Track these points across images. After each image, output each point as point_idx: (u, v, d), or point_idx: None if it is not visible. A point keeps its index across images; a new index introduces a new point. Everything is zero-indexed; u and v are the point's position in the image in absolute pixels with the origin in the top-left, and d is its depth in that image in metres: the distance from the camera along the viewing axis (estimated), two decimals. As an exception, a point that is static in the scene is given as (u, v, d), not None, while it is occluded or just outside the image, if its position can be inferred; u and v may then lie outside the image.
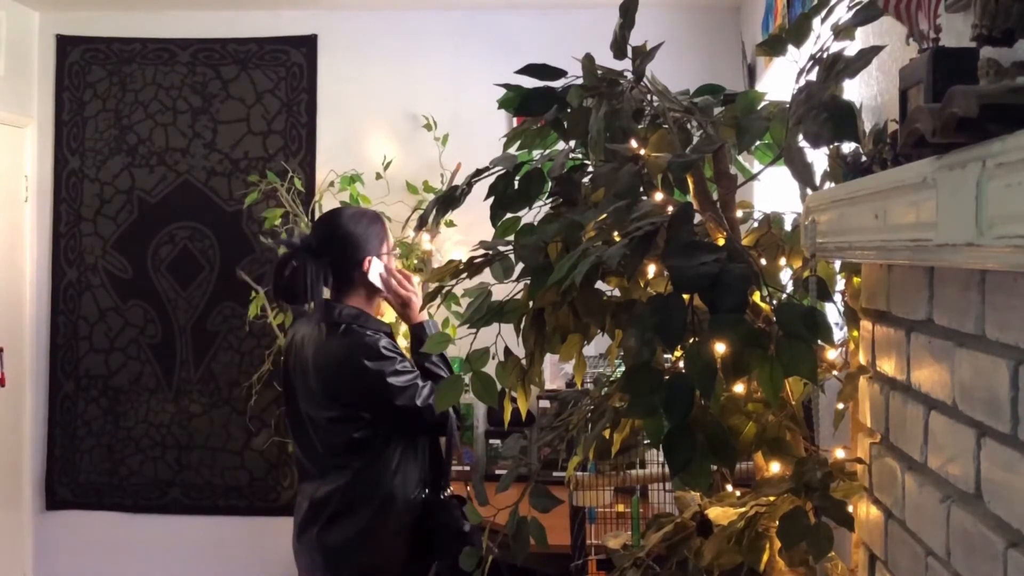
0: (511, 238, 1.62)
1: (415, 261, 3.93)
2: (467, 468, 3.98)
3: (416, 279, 2.58)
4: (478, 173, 1.68)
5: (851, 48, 1.31)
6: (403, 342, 3.93)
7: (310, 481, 2.49)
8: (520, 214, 1.67)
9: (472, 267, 1.64)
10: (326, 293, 2.51)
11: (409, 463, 2.41)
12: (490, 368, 1.62)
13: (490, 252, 1.64)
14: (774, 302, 1.32)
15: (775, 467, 1.47)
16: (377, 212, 2.64)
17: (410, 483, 2.41)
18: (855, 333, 1.53)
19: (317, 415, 2.44)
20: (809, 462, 1.36)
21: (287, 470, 4.13)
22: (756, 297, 1.41)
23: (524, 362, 1.62)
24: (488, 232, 1.72)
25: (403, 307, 2.51)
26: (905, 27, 1.22)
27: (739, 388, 1.44)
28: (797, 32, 1.40)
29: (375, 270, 2.45)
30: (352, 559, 2.41)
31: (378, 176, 4.02)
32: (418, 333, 2.50)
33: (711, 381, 1.20)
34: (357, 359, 2.34)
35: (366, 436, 2.39)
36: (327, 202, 4.00)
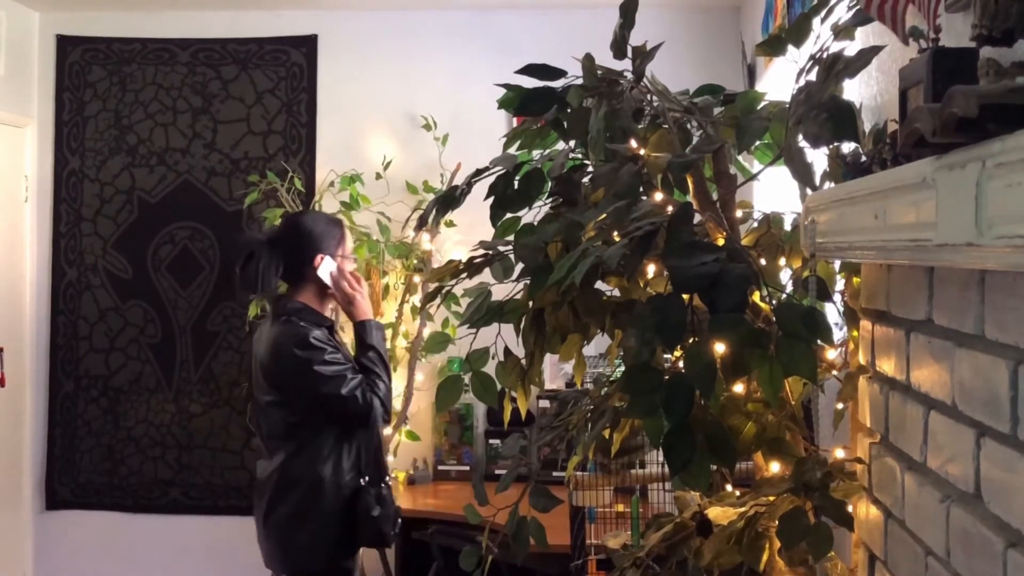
0: (511, 238, 1.62)
1: (415, 261, 3.93)
2: (467, 468, 3.98)
3: (365, 285, 2.72)
4: (478, 173, 1.68)
5: (851, 48, 1.31)
6: (403, 342, 3.97)
7: (260, 464, 2.72)
8: (520, 214, 1.67)
9: (472, 267, 1.64)
10: (284, 287, 2.71)
11: (341, 450, 2.55)
12: (490, 368, 1.62)
13: (490, 252, 1.64)
14: (774, 302, 1.32)
15: (775, 467, 1.47)
16: (340, 219, 2.80)
17: (340, 470, 2.54)
18: (855, 333, 1.53)
19: (260, 399, 2.66)
20: (809, 462, 1.36)
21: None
22: (756, 297, 1.41)
23: (524, 362, 1.63)
24: (488, 232, 1.72)
25: (348, 304, 2.65)
26: (889, 28, 1.22)
27: (739, 388, 1.44)
28: (797, 32, 1.40)
29: (325, 268, 2.60)
30: (285, 540, 2.57)
31: (378, 176, 4.02)
32: (359, 330, 2.65)
33: (711, 381, 1.20)
34: (288, 348, 2.52)
35: (299, 421, 2.56)
36: (327, 202, 4.00)
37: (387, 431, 3.92)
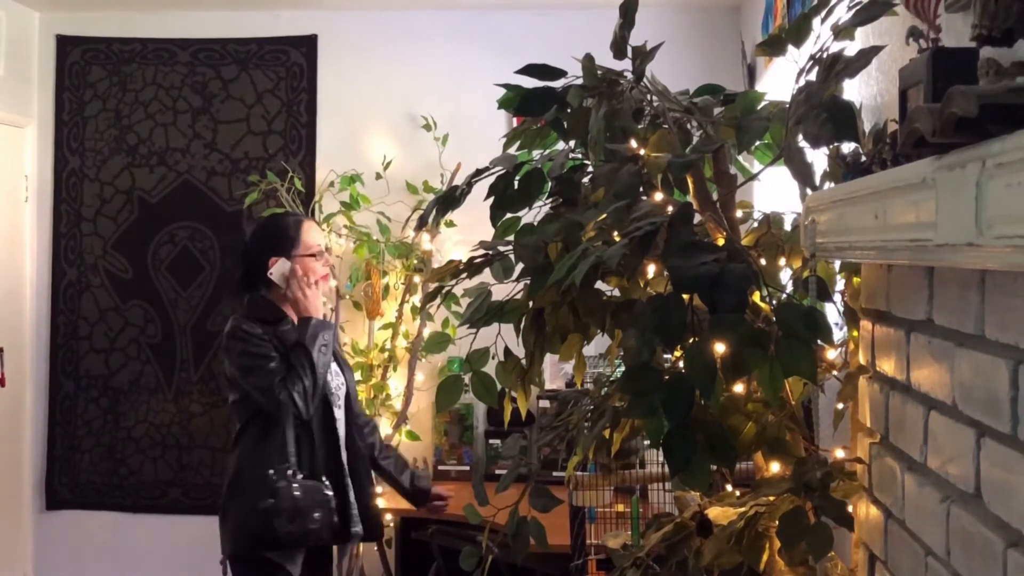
0: (511, 238, 1.62)
1: (415, 261, 3.93)
2: (467, 468, 3.98)
3: (323, 287, 2.73)
4: (478, 173, 1.68)
5: (851, 48, 1.31)
6: (403, 342, 3.97)
7: None
8: (520, 214, 1.67)
9: (472, 267, 1.64)
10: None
11: (268, 444, 2.57)
12: (490, 368, 1.62)
13: (490, 252, 1.64)
14: (774, 302, 1.32)
15: (775, 467, 1.47)
16: (307, 220, 2.80)
17: (263, 463, 2.55)
18: (855, 333, 1.53)
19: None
20: (809, 462, 1.36)
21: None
22: (756, 297, 1.41)
23: (524, 362, 1.63)
24: (488, 232, 1.72)
25: (294, 304, 2.66)
26: (923, 23, 1.22)
27: (739, 388, 1.44)
28: (797, 32, 1.40)
29: (278, 269, 2.64)
30: (224, 537, 2.63)
31: (378, 176, 4.02)
32: (299, 326, 2.64)
33: (711, 381, 1.20)
34: (223, 339, 2.65)
35: (237, 412, 2.67)
36: (327, 202, 4.01)
37: (387, 431, 3.93)
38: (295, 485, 2.53)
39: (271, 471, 2.53)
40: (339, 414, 2.72)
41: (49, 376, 4.29)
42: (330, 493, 2.59)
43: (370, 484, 2.81)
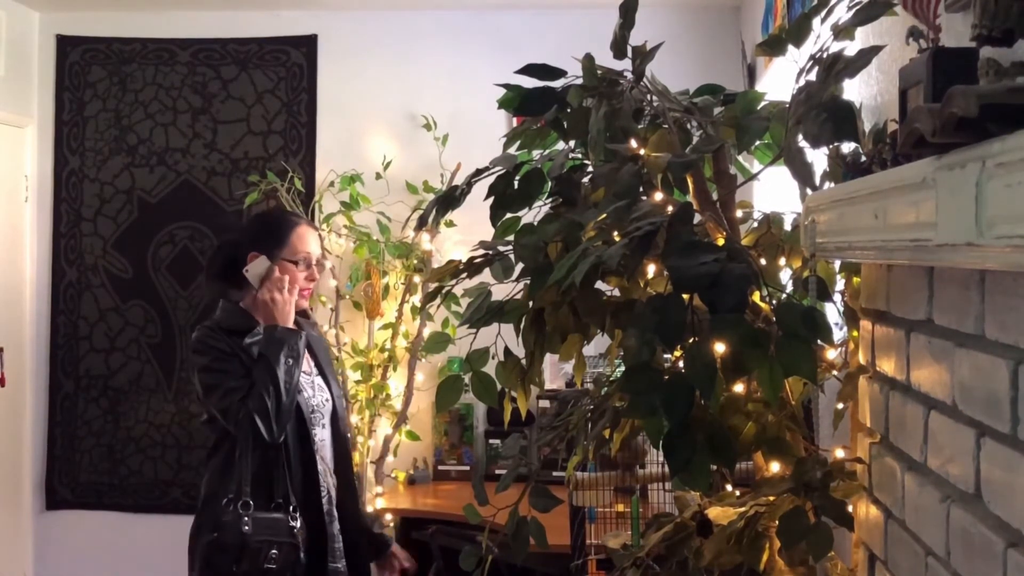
0: (511, 238, 1.62)
1: (415, 261, 3.93)
2: (467, 468, 3.98)
3: (293, 296, 2.44)
4: (478, 173, 1.68)
5: (851, 48, 1.31)
6: (403, 342, 3.96)
7: None
8: (520, 214, 1.67)
9: (472, 267, 1.64)
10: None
11: (226, 467, 2.32)
12: (490, 368, 1.62)
13: (490, 252, 1.64)
14: (774, 302, 1.32)
15: (775, 467, 1.47)
16: (305, 225, 2.51)
17: (219, 492, 2.30)
18: (855, 333, 1.53)
19: None
20: (809, 462, 1.36)
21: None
22: (756, 297, 1.41)
23: (524, 362, 1.62)
24: (488, 232, 1.72)
25: (263, 307, 2.37)
26: (921, 24, 1.22)
27: (739, 388, 1.44)
28: (797, 32, 1.40)
29: (255, 267, 2.38)
30: (191, 565, 2.41)
31: (378, 176, 4.02)
32: (264, 335, 2.35)
33: (711, 381, 1.20)
34: (190, 350, 2.47)
35: (211, 433, 2.41)
36: (327, 202, 4.01)
37: (387, 431, 3.93)
38: (245, 518, 2.24)
39: (225, 501, 2.26)
40: (322, 434, 2.42)
41: (49, 376, 4.29)
42: (296, 525, 2.28)
43: (361, 512, 2.60)
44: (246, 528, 2.24)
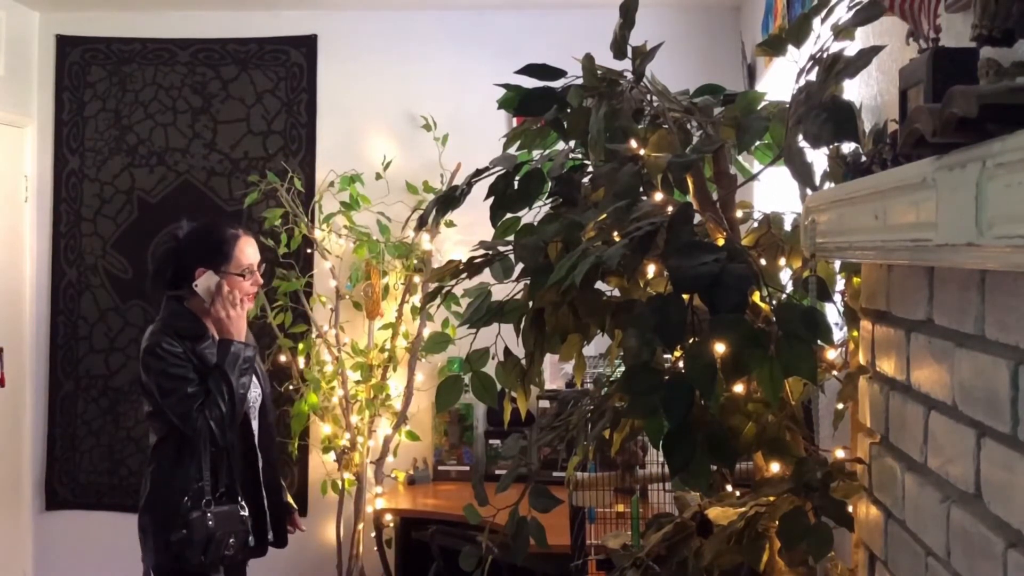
0: (511, 238, 1.62)
1: (415, 261, 3.93)
2: (467, 468, 3.98)
3: (247, 308, 2.65)
4: (478, 173, 1.68)
5: (851, 48, 1.31)
6: (403, 342, 3.96)
7: None
8: (520, 214, 1.67)
9: (472, 267, 1.64)
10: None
11: (181, 465, 2.52)
12: (490, 368, 1.62)
13: (490, 252, 1.64)
14: (774, 302, 1.32)
15: (775, 467, 1.47)
16: (245, 237, 2.69)
17: (175, 489, 2.51)
18: (855, 333, 1.53)
19: None
20: (809, 462, 1.36)
21: (287, 470, 4.13)
22: (756, 297, 1.41)
23: (524, 362, 1.62)
24: (488, 232, 1.72)
25: (217, 322, 2.58)
26: (909, 26, 1.22)
27: (739, 388, 1.44)
28: (797, 32, 1.40)
29: (204, 282, 2.55)
30: (143, 552, 2.63)
31: (378, 176, 4.02)
32: (220, 348, 2.57)
33: (711, 381, 1.20)
34: (142, 355, 2.55)
35: (156, 428, 2.59)
36: (327, 202, 4.00)
37: (387, 431, 3.93)
38: (209, 514, 2.49)
39: (185, 498, 2.49)
40: (255, 425, 2.68)
41: (49, 376, 4.29)
42: (245, 513, 2.57)
43: (281, 488, 2.80)
44: (210, 523, 2.49)
